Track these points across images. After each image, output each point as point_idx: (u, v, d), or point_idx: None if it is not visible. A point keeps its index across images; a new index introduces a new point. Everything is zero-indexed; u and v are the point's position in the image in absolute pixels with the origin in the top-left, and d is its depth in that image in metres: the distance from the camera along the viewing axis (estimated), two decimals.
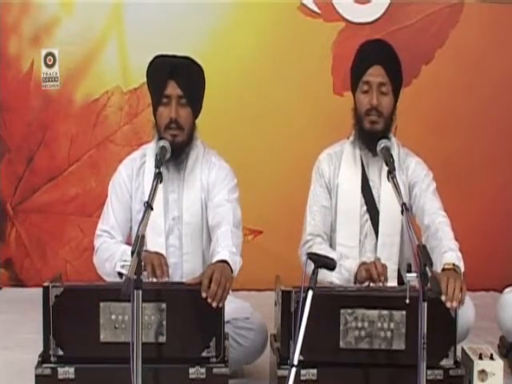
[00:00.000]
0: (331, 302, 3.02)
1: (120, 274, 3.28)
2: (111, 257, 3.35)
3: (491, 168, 5.51)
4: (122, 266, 3.25)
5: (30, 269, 5.63)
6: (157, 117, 3.45)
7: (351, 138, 3.55)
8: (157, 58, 3.49)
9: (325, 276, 3.27)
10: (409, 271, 2.86)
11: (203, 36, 5.48)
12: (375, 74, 3.41)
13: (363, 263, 3.29)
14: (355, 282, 3.27)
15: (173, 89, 3.39)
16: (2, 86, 5.57)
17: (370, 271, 3.20)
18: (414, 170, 3.53)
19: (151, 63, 3.48)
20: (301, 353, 2.71)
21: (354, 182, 3.51)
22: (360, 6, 5.49)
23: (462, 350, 3.29)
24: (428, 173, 3.54)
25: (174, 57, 3.48)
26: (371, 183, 3.51)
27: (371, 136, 3.43)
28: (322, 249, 3.36)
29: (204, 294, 2.94)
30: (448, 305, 2.91)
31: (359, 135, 3.49)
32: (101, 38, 5.54)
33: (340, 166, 3.55)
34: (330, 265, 2.85)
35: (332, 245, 3.52)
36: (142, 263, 3.09)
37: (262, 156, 5.50)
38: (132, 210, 3.50)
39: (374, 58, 3.42)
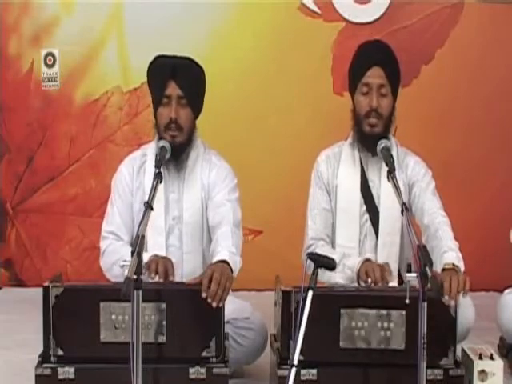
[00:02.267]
0: (331, 302, 3.02)
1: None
2: (119, 260, 3.34)
3: (491, 168, 5.51)
4: (122, 266, 3.25)
5: (30, 269, 5.64)
6: (157, 117, 3.46)
7: (349, 140, 3.55)
8: (157, 58, 3.49)
9: (329, 278, 3.28)
10: (409, 271, 2.86)
11: (203, 36, 5.48)
12: (374, 76, 3.40)
13: (366, 260, 3.29)
14: (358, 280, 3.27)
15: (173, 89, 3.39)
16: (2, 86, 5.57)
17: (369, 275, 3.20)
18: (413, 169, 3.53)
19: (152, 63, 3.48)
20: (301, 353, 2.71)
21: (353, 182, 3.51)
22: (360, 5, 5.49)
23: (462, 350, 3.29)
24: (427, 172, 3.54)
25: (175, 57, 3.49)
26: (370, 183, 3.51)
27: (370, 138, 3.43)
28: (325, 251, 3.35)
29: (204, 294, 2.94)
30: (452, 303, 2.92)
31: (358, 137, 3.49)
32: (101, 38, 5.54)
33: (339, 167, 3.54)
34: (329, 265, 2.85)
35: (332, 245, 3.52)
36: (147, 265, 3.13)
37: (262, 156, 5.50)
38: (133, 209, 3.50)
39: (373, 59, 3.42)
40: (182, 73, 3.40)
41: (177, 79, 3.38)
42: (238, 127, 5.49)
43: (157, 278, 3.15)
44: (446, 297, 2.89)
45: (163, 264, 3.18)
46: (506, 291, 3.89)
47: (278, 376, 3.02)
